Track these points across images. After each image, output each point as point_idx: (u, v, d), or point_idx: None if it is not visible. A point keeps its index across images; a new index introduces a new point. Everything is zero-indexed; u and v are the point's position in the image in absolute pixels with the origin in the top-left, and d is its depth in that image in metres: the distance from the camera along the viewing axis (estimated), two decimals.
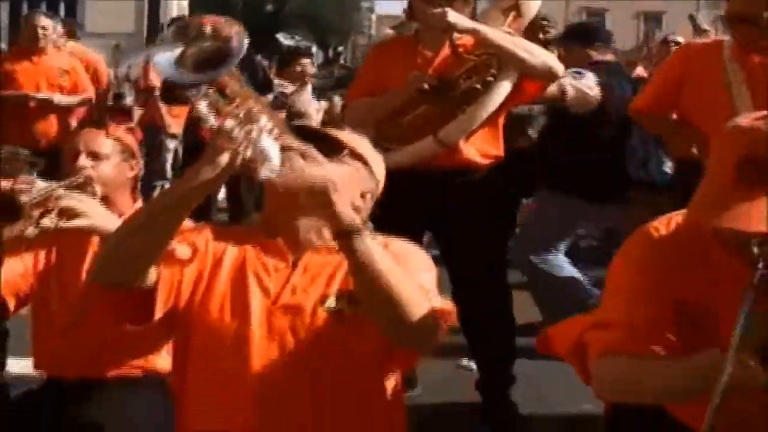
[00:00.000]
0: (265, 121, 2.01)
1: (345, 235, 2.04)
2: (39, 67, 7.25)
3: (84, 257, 3.07)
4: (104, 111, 7.90)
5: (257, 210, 7.97)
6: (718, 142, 2.21)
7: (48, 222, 2.75)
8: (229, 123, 1.98)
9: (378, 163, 2.42)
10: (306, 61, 7.87)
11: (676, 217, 2.30)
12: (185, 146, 8.52)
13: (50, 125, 7.03)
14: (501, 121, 4.32)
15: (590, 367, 2.28)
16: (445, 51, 4.21)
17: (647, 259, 2.28)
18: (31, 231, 2.77)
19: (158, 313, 2.23)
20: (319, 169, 2.08)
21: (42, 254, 3.15)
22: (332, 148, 2.25)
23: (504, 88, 4.12)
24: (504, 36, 4.09)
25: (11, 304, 3.12)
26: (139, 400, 3.02)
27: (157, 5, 19.90)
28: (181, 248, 2.28)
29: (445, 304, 2.25)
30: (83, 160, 3.12)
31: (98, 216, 2.80)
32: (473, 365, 4.72)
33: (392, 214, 2.40)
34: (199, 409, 2.30)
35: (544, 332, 2.65)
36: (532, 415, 4.43)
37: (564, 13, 34.71)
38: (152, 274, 2.18)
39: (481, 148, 4.21)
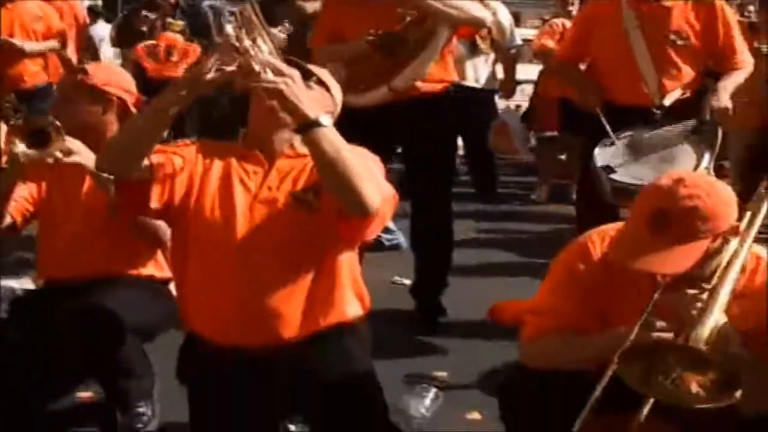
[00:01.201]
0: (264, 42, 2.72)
1: (306, 127, 2.64)
2: (13, 13, 7.42)
3: (81, 181, 3.64)
4: (81, 52, 8.17)
5: None
6: (639, 196, 2.73)
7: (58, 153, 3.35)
8: (236, 34, 2.67)
9: (338, 90, 3.06)
10: None
11: (611, 232, 2.81)
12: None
13: (25, 68, 7.31)
14: (447, 51, 4.89)
15: (521, 344, 2.85)
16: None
17: (579, 267, 2.81)
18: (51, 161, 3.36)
19: (154, 202, 2.88)
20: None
21: (44, 183, 3.71)
22: (304, 75, 2.82)
23: (443, 36, 4.72)
24: None
25: (19, 224, 3.69)
26: (135, 292, 3.57)
27: None
28: (173, 157, 2.93)
29: (389, 188, 2.88)
30: None
31: (86, 156, 3.38)
32: (407, 281, 5.46)
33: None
34: (195, 301, 2.96)
35: (495, 306, 3.23)
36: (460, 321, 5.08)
37: None
38: (145, 166, 2.83)
39: (433, 77, 4.80)
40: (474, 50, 8.12)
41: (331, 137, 2.66)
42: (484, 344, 4.71)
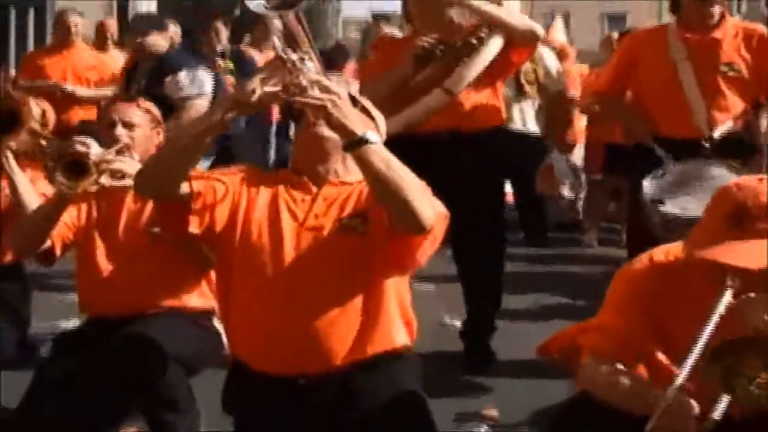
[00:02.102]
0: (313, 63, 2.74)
1: (354, 144, 2.62)
2: (67, 61, 7.69)
3: (121, 210, 3.65)
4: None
5: None
6: (715, 196, 2.66)
7: (104, 180, 3.36)
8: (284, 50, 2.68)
9: (382, 121, 3.05)
10: None
11: (675, 250, 2.75)
12: None
13: (76, 113, 7.44)
14: (500, 90, 4.90)
15: (579, 363, 2.75)
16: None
17: (639, 279, 2.75)
18: (92, 186, 3.38)
19: (193, 228, 2.85)
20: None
21: (84, 208, 3.70)
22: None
23: (497, 41, 4.64)
24: (488, 4, 4.63)
25: (57, 250, 3.67)
26: (178, 324, 3.52)
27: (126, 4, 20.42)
28: (216, 184, 2.91)
29: (440, 205, 2.83)
30: (119, 130, 3.68)
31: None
32: (457, 322, 5.36)
33: None
34: (241, 329, 2.94)
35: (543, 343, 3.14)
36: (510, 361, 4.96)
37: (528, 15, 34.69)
38: (185, 188, 2.82)
39: (482, 113, 4.77)
40: (520, 93, 8.06)
41: (380, 153, 2.64)
42: (534, 383, 4.61)
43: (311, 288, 2.83)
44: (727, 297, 2.49)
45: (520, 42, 4.71)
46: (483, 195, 4.87)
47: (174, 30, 7.67)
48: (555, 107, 8.38)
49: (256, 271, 2.87)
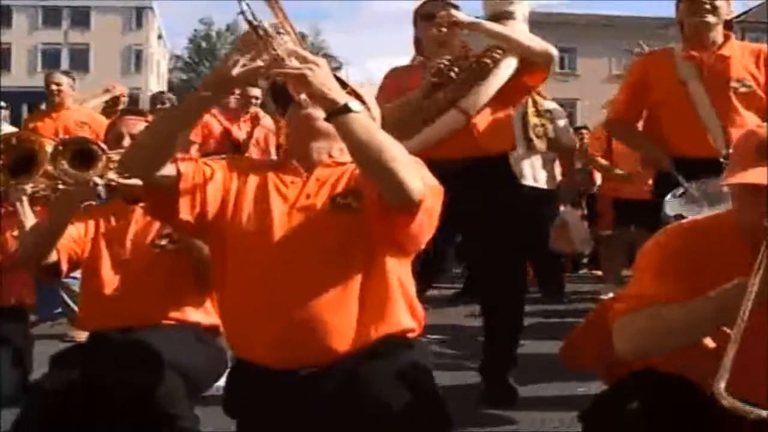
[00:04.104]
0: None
1: (336, 113, 2.50)
2: (57, 121, 7.74)
3: (129, 224, 3.58)
4: None
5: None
6: (740, 137, 2.56)
7: (112, 175, 3.26)
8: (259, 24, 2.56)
9: (376, 108, 2.95)
10: None
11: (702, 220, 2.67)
12: None
13: None
14: (510, 116, 4.80)
15: (613, 330, 2.51)
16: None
17: (671, 245, 2.58)
18: (99, 183, 3.27)
19: (184, 213, 2.74)
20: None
21: (92, 222, 3.63)
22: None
23: (512, 62, 4.57)
24: (502, 26, 4.61)
25: (64, 266, 3.58)
26: (180, 336, 3.42)
27: None
28: (203, 167, 2.81)
29: (432, 179, 2.68)
30: (127, 142, 3.62)
31: None
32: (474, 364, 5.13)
33: None
34: (237, 321, 2.80)
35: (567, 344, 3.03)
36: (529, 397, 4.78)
37: None
38: (171, 170, 2.71)
39: (494, 139, 4.65)
40: (530, 149, 8.03)
41: (363, 121, 2.52)
42: (555, 415, 4.48)
43: (305, 271, 2.67)
44: None
45: (535, 64, 4.65)
46: (499, 217, 4.70)
47: None
48: (566, 161, 8.39)
49: (246, 258, 2.73)
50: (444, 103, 4.54)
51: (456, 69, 4.53)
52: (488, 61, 4.55)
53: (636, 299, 2.51)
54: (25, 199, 3.94)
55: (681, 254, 2.53)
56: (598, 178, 9.36)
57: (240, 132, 7.94)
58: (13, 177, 3.72)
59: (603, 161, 8.61)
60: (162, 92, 10.13)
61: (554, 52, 4.67)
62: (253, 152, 7.92)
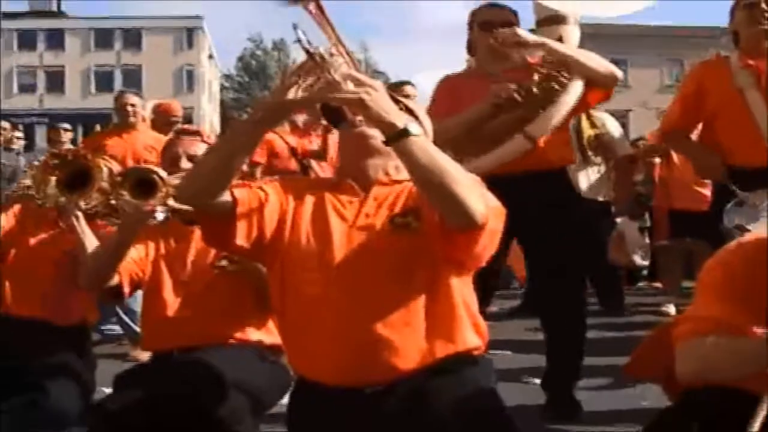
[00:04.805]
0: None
1: (395, 136, 2.47)
2: (127, 143, 7.75)
3: (189, 245, 3.58)
4: None
5: None
6: None
7: (171, 202, 3.27)
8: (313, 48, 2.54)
9: (429, 123, 2.91)
10: None
11: (762, 234, 2.58)
12: None
13: None
14: (569, 129, 4.81)
15: (676, 352, 2.52)
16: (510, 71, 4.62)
17: (732, 265, 2.54)
18: (160, 204, 3.29)
19: (240, 239, 2.72)
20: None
21: (152, 244, 3.65)
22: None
23: (579, 86, 4.52)
24: (567, 46, 4.57)
25: (126, 288, 3.60)
26: (242, 355, 3.41)
27: None
28: (258, 192, 2.80)
29: (494, 200, 2.64)
30: (184, 163, 3.64)
31: None
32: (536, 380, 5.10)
33: None
34: (298, 341, 2.79)
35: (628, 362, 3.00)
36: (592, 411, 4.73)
37: None
38: (226, 196, 2.69)
39: (555, 152, 4.62)
40: (585, 160, 7.94)
41: (423, 144, 2.48)
42: (619, 430, 4.45)
43: (367, 290, 2.65)
44: None
45: (599, 85, 4.62)
46: (559, 230, 4.66)
47: None
48: (622, 172, 8.28)
49: (306, 278, 2.72)
50: (506, 128, 4.50)
51: (522, 93, 4.48)
52: (555, 85, 4.51)
53: (700, 322, 2.49)
54: (80, 215, 3.94)
55: (744, 274, 2.50)
56: None
57: (312, 146, 7.90)
58: (69, 192, 3.78)
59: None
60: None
61: (619, 73, 4.64)
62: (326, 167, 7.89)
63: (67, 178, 3.82)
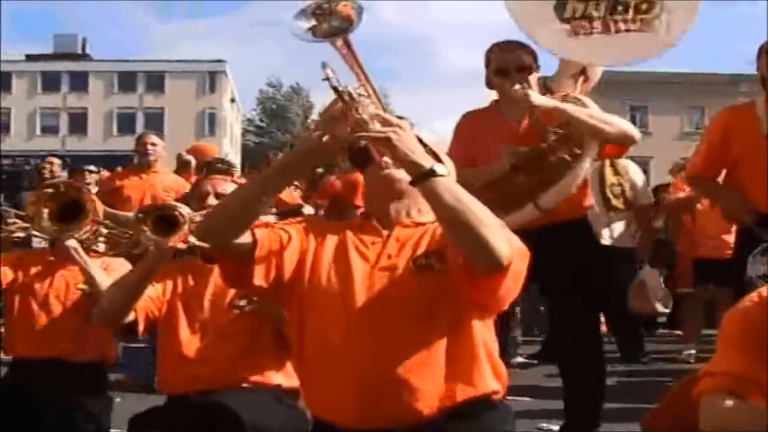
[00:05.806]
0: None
1: (421, 177, 2.46)
2: (146, 183, 7.72)
3: (207, 285, 3.56)
4: None
5: None
6: None
7: (192, 239, 3.26)
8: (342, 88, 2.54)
9: (452, 166, 2.88)
10: None
11: None
12: None
13: None
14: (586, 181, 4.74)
15: (700, 407, 2.50)
16: (526, 121, 4.60)
17: (752, 316, 2.51)
18: (180, 242, 3.28)
19: (258, 279, 2.70)
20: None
21: (170, 283, 3.62)
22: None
23: (591, 154, 4.56)
24: (581, 110, 4.48)
25: (141, 326, 3.57)
26: (260, 398, 3.38)
27: None
28: (280, 233, 2.78)
29: (518, 241, 2.61)
30: (212, 200, 3.67)
31: None
32: (554, 427, 5.05)
33: None
34: (317, 383, 2.73)
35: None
36: None
37: None
38: (247, 237, 2.68)
39: (572, 203, 4.62)
40: (608, 207, 7.93)
41: (449, 185, 2.48)
42: None
43: (389, 332, 2.62)
44: None
45: (616, 144, 4.62)
46: (578, 278, 4.63)
47: None
48: (644, 220, 8.25)
49: (327, 318, 2.69)
50: (517, 190, 4.50)
51: (537, 157, 4.48)
52: (568, 157, 4.49)
53: (722, 377, 2.47)
54: (77, 245, 3.97)
55: (759, 328, 2.47)
56: None
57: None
58: (61, 224, 3.80)
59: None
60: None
61: (637, 135, 4.60)
62: None
63: (59, 209, 3.85)
